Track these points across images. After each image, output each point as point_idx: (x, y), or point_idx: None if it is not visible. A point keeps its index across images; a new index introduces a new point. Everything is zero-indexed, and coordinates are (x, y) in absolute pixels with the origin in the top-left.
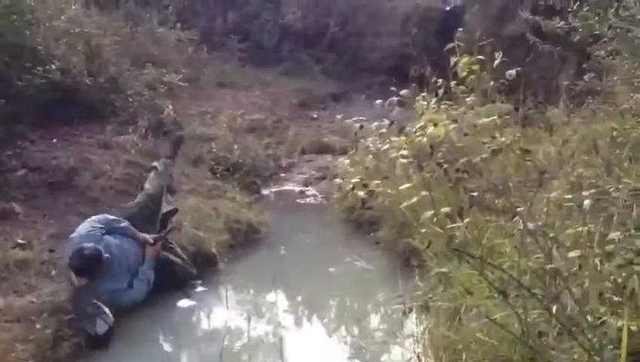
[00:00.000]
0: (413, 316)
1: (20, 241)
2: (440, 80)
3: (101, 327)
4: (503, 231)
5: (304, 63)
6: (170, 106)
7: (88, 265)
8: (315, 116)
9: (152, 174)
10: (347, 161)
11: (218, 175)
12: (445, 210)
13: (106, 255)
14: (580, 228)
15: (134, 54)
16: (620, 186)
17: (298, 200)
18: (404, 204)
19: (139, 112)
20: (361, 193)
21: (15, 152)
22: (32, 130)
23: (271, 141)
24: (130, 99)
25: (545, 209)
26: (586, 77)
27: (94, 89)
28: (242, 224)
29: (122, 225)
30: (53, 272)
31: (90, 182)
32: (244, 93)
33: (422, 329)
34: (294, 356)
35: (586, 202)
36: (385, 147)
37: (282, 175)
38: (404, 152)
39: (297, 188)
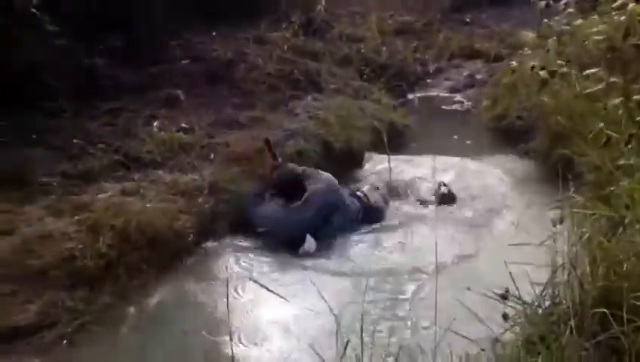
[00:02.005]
0: (568, 225)
1: (183, 126)
2: None
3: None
4: None
5: None
6: (323, 2)
7: None
8: (467, 20)
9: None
10: (530, 35)
11: (365, 76)
12: (638, 97)
13: None
14: None
15: None
16: None
17: (444, 107)
18: (588, 91)
19: (291, 9)
20: (542, 72)
21: (179, 43)
22: (193, 23)
23: (419, 44)
24: None
25: None
26: None
27: None
28: (386, 125)
29: None
30: (212, 156)
31: (244, 75)
32: None
33: (578, 237)
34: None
35: None
36: (572, 27)
37: (429, 80)
38: (596, 32)
39: (444, 94)
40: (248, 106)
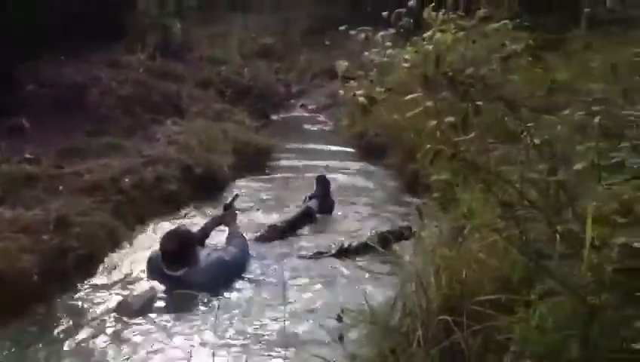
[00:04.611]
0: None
1: (28, 156)
2: None
3: None
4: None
5: None
6: (179, 25)
7: None
8: (327, 42)
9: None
10: (345, 64)
11: (227, 98)
12: (449, 119)
13: None
14: (588, 144)
15: None
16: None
17: (307, 126)
18: (409, 114)
19: (147, 32)
20: (362, 99)
21: (25, 68)
22: (43, 46)
23: (281, 66)
24: (139, 18)
25: (557, 127)
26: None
27: (103, 5)
28: (250, 147)
29: None
30: (61, 187)
31: (98, 100)
32: (256, 17)
33: (423, 248)
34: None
35: (597, 119)
36: (389, 56)
37: (292, 101)
38: (409, 61)
39: (307, 114)
40: (103, 133)
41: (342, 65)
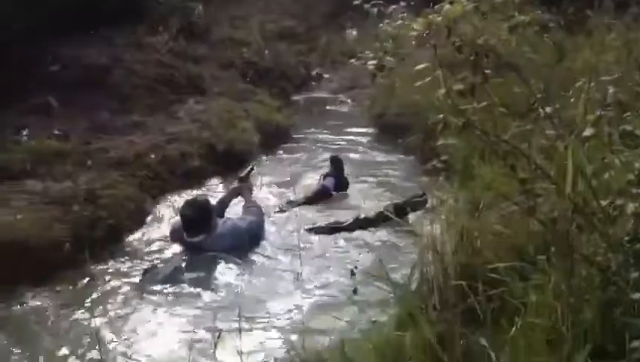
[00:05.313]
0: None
1: (56, 133)
2: None
3: None
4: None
5: None
6: (201, 8)
7: None
8: (348, 25)
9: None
10: (354, 33)
11: (248, 79)
12: (458, 86)
13: None
14: (599, 113)
15: None
16: None
17: (328, 107)
18: (418, 83)
19: (170, 14)
20: (371, 66)
21: (50, 49)
22: (66, 28)
23: (302, 48)
24: (161, 1)
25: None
26: None
27: None
28: (272, 125)
29: None
30: (89, 162)
31: (122, 80)
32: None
33: (440, 218)
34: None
35: (611, 90)
36: (400, 26)
37: (313, 82)
38: (419, 31)
39: (327, 95)
40: (127, 111)
41: (351, 34)
